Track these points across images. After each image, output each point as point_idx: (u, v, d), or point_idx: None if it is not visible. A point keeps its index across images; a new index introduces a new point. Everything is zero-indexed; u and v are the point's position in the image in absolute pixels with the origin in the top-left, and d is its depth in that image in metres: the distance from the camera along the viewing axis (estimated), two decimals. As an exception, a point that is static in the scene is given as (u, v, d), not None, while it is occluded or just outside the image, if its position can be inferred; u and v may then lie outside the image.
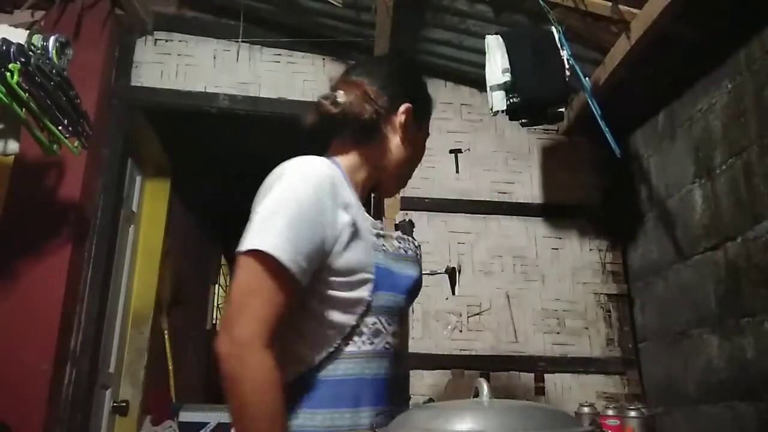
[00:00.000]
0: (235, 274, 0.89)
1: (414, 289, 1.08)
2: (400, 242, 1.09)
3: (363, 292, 0.97)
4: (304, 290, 0.92)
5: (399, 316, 1.05)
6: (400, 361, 1.06)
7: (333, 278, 0.95)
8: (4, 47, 1.74)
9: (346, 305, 0.96)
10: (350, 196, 1.00)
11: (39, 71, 1.81)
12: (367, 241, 0.98)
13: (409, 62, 1.28)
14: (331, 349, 0.95)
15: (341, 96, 1.05)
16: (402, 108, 1.12)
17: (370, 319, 0.98)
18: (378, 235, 1.02)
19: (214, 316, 5.61)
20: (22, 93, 1.77)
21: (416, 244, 1.16)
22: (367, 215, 1.05)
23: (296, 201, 0.91)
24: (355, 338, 0.96)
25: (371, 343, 0.97)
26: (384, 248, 1.02)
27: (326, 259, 0.93)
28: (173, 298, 3.65)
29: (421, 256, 1.17)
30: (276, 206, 0.91)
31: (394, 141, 1.12)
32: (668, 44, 2.18)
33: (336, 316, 0.96)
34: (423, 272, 1.15)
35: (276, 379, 0.85)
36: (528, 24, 2.39)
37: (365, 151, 1.10)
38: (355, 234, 0.96)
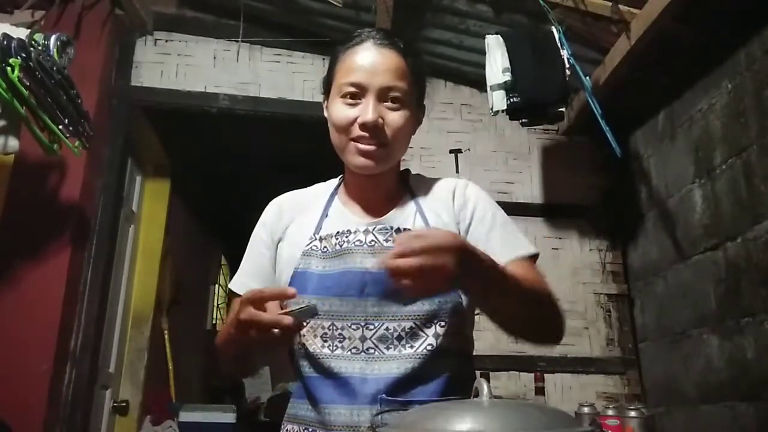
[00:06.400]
0: None
1: (350, 281, 1.02)
2: (342, 237, 1.06)
3: None
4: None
5: (322, 316, 1.00)
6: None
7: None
8: (5, 42, 1.73)
9: None
10: (300, 214, 1.15)
11: (40, 67, 1.80)
12: (291, 252, 1.11)
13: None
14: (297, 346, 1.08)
15: None
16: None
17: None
18: (321, 239, 1.08)
19: (214, 316, 5.60)
20: (22, 89, 1.76)
21: (396, 228, 1.08)
22: (329, 220, 1.12)
23: (249, 243, 1.19)
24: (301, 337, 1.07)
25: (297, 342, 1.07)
26: (323, 250, 1.06)
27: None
28: (173, 298, 3.65)
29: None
30: None
31: None
32: (668, 44, 2.18)
33: None
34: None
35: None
36: (528, 24, 2.39)
37: None
38: (280, 251, 1.15)
